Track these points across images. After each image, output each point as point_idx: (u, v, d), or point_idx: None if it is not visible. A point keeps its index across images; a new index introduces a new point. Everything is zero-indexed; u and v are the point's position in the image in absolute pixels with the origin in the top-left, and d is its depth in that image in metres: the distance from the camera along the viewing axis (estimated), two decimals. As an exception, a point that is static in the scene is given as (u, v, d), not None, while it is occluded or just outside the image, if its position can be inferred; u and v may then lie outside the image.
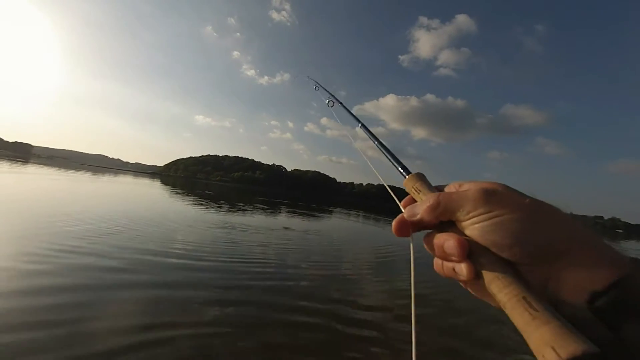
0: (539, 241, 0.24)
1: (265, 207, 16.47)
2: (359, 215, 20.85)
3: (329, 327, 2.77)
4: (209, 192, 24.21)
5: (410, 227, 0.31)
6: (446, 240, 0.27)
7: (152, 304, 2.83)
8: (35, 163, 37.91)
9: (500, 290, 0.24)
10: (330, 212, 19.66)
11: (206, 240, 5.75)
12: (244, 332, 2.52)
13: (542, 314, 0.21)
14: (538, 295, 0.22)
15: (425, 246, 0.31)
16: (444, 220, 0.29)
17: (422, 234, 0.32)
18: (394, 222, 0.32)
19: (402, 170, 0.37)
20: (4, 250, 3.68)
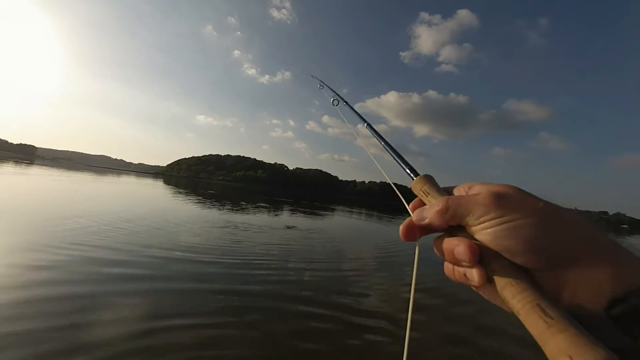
0: (554, 247, 0.23)
1: (268, 205, 16.53)
2: (361, 213, 20.85)
3: (334, 317, 2.81)
4: (212, 192, 24.31)
5: (417, 231, 0.31)
6: (456, 246, 0.26)
7: (155, 297, 2.89)
8: (40, 164, 38.28)
9: (514, 297, 0.23)
10: (333, 211, 19.66)
11: (210, 238, 5.80)
12: (249, 323, 2.55)
13: (558, 322, 0.20)
14: (553, 302, 0.22)
15: (434, 250, 0.30)
16: (454, 225, 0.28)
17: (429, 237, 0.31)
18: (401, 226, 0.31)
19: (409, 172, 0.36)
20: (30, 246, 3.79)
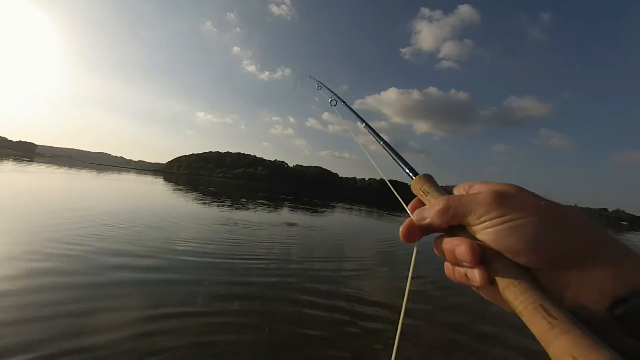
0: (557, 246, 0.23)
1: (269, 202, 16.56)
2: (361, 210, 20.89)
3: (336, 307, 2.85)
4: (212, 189, 24.33)
5: (417, 232, 0.30)
6: (457, 246, 0.26)
7: (157, 290, 2.93)
8: (41, 162, 38.24)
9: (516, 298, 0.23)
10: (333, 208, 19.69)
11: (210, 235, 5.83)
12: (249, 315, 2.57)
13: (561, 322, 0.20)
14: (556, 302, 0.21)
15: (434, 250, 0.30)
16: (454, 225, 0.28)
17: (429, 238, 0.31)
18: (401, 227, 0.30)
19: (408, 171, 0.36)
20: (42, 241, 3.85)
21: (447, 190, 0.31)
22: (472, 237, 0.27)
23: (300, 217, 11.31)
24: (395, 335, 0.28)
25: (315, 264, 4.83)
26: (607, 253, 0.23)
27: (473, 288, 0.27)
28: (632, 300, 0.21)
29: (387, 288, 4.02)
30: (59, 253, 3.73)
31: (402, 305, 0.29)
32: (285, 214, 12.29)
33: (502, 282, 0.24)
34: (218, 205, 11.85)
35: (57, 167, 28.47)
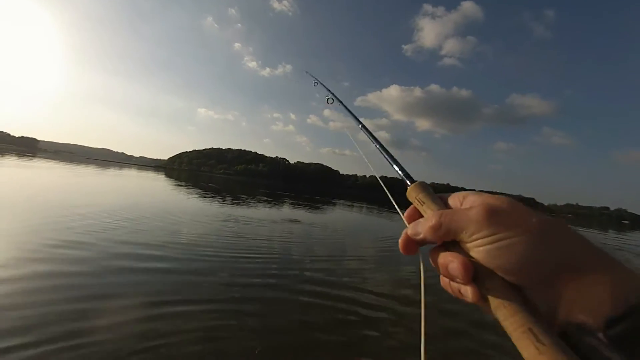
0: (547, 265, 0.23)
1: (270, 199, 16.61)
2: (362, 207, 20.92)
3: (338, 306, 2.89)
4: (213, 185, 24.39)
5: (415, 245, 0.30)
6: (450, 262, 0.26)
7: (159, 283, 2.97)
8: (43, 157, 38.38)
9: (506, 319, 0.23)
10: (334, 205, 19.73)
11: (211, 231, 5.88)
12: (249, 309, 2.62)
13: (549, 348, 0.20)
14: (545, 327, 0.21)
15: (431, 262, 0.30)
16: (448, 240, 0.28)
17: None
18: (400, 241, 0.31)
19: (404, 178, 0.36)
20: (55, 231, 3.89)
21: (443, 199, 0.31)
22: (465, 253, 0.27)
23: (301, 214, 11.35)
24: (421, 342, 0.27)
25: (315, 260, 4.87)
26: (599, 270, 0.22)
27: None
28: (626, 319, 0.20)
29: (388, 281, 4.07)
30: (75, 240, 3.81)
31: (420, 316, 0.29)
32: (287, 210, 12.34)
33: (493, 302, 0.24)
34: (219, 202, 11.91)
35: (60, 163, 28.57)
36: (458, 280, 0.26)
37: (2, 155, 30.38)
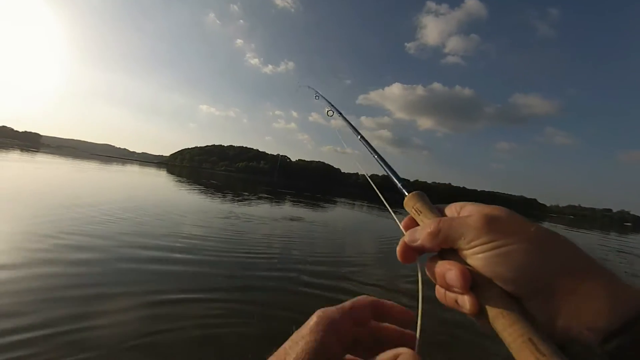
0: (545, 275, 0.23)
1: (270, 196, 16.64)
2: (363, 205, 20.94)
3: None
4: (215, 182, 24.48)
5: (414, 253, 0.30)
6: (448, 270, 0.26)
7: (160, 277, 3.03)
8: (46, 152, 38.62)
9: (505, 329, 0.22)
10: (335, 203, 19.77)
11: (214, 226, 5.90)
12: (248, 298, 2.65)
13: (550, 359, 0.19)
14: (545, 337, 0.21)
15: (426, 272, 0.29)
16: (445, 248, 0.28)
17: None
18: (397, 249, 0.31)
19: (402, 187, 0.36)
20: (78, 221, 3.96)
21: (440, 210, 0.31)
22: (463, 261, 0.26)
23: (303, 212, 11.39)
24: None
25: (316, 258, 4.89)
26: (599, 283, 0.22)
27: (467, 315, 0.27)
28: (624, 333, 0.20)
29: (387, 277, 4.08)
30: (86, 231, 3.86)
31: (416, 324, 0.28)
32: (288, 208, 12.38)
33: (491, 312, 0.24)
34: (221, 199, 11.96)
35: (64, 158, 28.75)
36: (455, 289, 0.25)
37: (7, 150, 30.60)
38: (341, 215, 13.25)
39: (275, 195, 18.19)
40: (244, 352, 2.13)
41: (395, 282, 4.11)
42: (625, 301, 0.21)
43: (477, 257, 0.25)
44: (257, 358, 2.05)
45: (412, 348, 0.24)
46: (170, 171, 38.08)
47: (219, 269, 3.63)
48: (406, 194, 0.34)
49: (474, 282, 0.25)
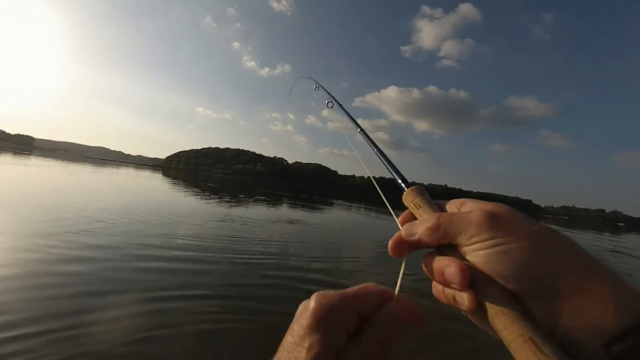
0: (548, 274, 0.22)
1: (267, 199, 16.57)
2: (360, 207, 20.94)
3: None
4: (211, 185, 24.31)
5: (406, 248, 0.29)
6: (447, 266, 0.25)
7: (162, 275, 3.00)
8: (39, 155, 38.06)
9: (505, 328, 0.22)
10: (332, 205, 19.72)
11: (210, 231, 5.85)
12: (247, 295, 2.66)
13: (552, 359, 0.19)
14: (546, 337, 0.20)
15: (423, 268, 0.29)
16: (444, 243, 0.27)
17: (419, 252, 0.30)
18: (390, 241, 0.30)
19: (401, 182, 0.35)
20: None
21: (440, 206, 0.30)
22: (462, 257, 0.26)
23: (300, 214, 11.34)
24: None
25: (313, 260, 4.86)
26: (603, 285, 0.21)
27: (462, 311, 0.26)
28: (627, 338, 0.19)
29: (385, 278, 4.06)
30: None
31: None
32: (285, 210, 12.33)
33: (491, 309, 0.23)
34: (217, 202, 11.87)
35: (57, 161, 28.34)
36: (454, 285, 0.25)
37: (-2, 153, 30.06)
38: (339, 217, 13.22)
39: (273, 198, 18.11)
40: (242, 349, 2.13)
41: (391, 283, 4.09)
42: (629, 303, 0.21)
43: (477, 253, 0.24)
44: (254, 355, 2.08)
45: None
46: (166, 174, 37.75)
47: (218, 269, 3.59)
48: (405, 188, 0.33)
49: (473, 279, 0.24)
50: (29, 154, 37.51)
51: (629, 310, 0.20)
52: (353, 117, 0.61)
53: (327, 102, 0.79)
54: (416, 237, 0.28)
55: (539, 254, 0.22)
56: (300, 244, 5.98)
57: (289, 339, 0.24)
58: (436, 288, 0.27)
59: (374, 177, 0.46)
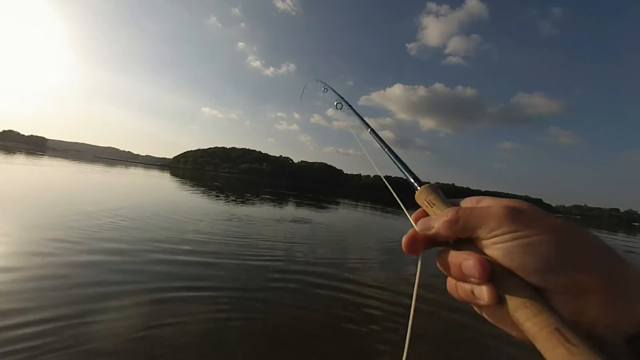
0: (573, 270, 0.21)
1: (273, 198, 16.67)
2: (366, 207, 20.87)
3: (339, 303, 2.92)
4: (218, 184, 24.57)
5: (422, 244, 0.29)
6: (465, 260, 0.25)
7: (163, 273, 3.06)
8: (52, 156, 39.13)
9: (529, 319, 0.21)
10: (338, 204, 19.71)
11: (219, 227, 5.93)
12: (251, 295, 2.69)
13: (582, 350, 0.18)
14: (574, 328, 0.20)
15: (438, 264, 0.28)
16: (461, 238, 0.26)
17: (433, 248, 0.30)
18: (404, 238, 0.29)
19: (413, 181, 0.34)
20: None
21: (454, 204, 0.30)
22: (480, 251, 0.25)
23: (306, 213, 11.37)
24: (405, 340, 0.27)
25: (320, 259, 4.88)
26: (626, 281, 0.21)
27: (476, 309, 0.26)
28: None
29: (392, 282, 4.06)
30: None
31: (409, 315, 0.27)
32: (291, 209, 12.38)
33: (512, 302, 0.22)
34: (224, 201, 12.00)
35: (70, 162, 29.10)
36: (473, 280, 0.24)
37: (14, 153, 31.06)
38: (344, 216, 13.21)
39: (279, 197, 18.21)
40: (247, 347, 2.16)
41: (399, 284, 4.08)
42: None
43: (498, 247, 0.24)
44: (264, 349, 2.13)
45: None
46: (174, 173, 38.34)
47: (224, 267, 3.64)
48: (418, 187, 0.32)
49: (492, 272, 0.24)
50: (43, 154, 38.60)
51: None
52: (363, 117, 0.61)
53: (337, 104, 0.78)
54: (433, 231, 0.28)
55: (564, 248, 0.22)
56: (307, 243, 6.00)
57: None
58: (450, 283, 0.27)
59: (383, 176, 0.45)
